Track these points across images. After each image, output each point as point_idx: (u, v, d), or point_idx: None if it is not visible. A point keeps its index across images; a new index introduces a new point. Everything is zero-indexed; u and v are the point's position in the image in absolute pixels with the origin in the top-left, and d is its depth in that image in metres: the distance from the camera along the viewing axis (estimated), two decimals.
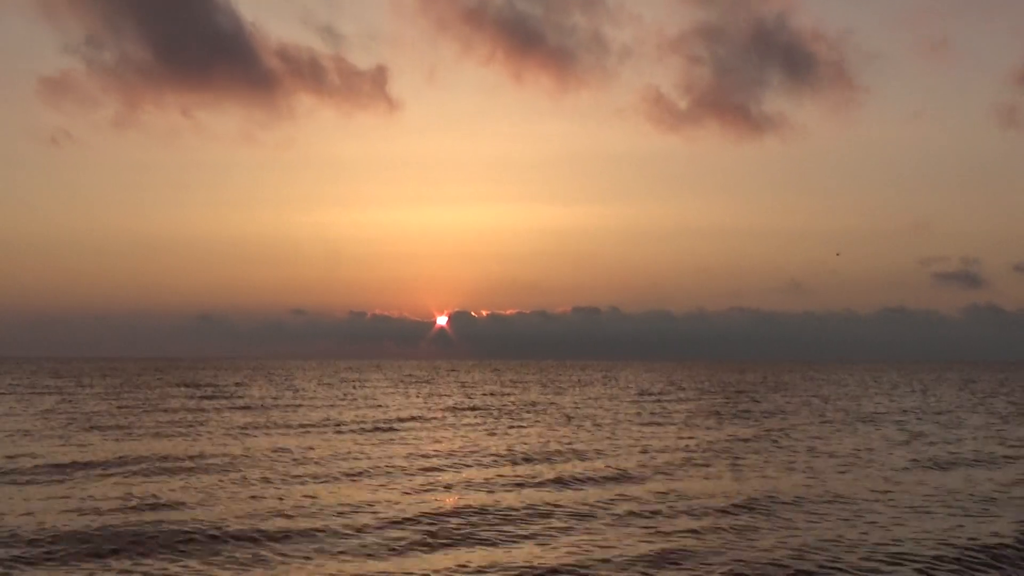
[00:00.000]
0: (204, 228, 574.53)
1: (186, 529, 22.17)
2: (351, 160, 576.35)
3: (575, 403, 79.33)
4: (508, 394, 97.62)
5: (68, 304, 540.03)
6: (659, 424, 55.16)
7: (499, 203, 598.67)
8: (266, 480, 30.46)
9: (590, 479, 31.08)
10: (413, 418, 59.63)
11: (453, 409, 69.88)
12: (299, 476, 31.42)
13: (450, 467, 34.26)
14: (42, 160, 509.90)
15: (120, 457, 36.16)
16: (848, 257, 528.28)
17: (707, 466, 34.85)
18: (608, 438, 45.69)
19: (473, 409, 70.03)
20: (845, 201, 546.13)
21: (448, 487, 29.45)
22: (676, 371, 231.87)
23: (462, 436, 47.11)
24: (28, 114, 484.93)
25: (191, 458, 36.01)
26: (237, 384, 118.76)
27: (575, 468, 33.90)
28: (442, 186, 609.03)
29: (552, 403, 79.20)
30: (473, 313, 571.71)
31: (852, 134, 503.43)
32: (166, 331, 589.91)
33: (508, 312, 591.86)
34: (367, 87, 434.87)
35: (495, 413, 65.38)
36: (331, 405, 73.18)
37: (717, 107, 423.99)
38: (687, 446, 41.96)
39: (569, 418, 60.20)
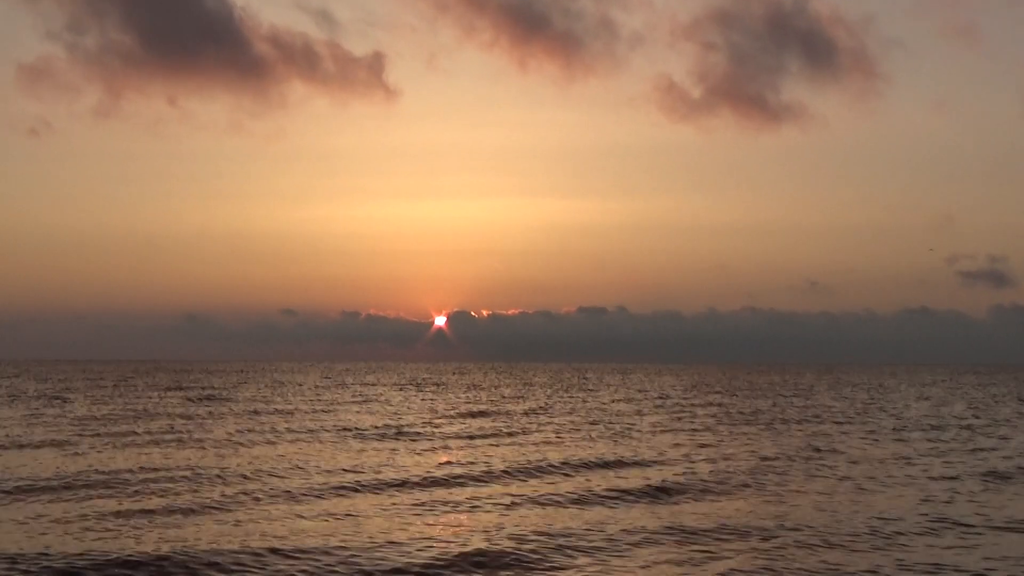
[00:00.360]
0: (190, 223, 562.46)
1: (188, 548, 21.45)
2: (346, 151, 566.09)
3: (598, 407, 78.49)
4: (522, 398, 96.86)
5: (46, 304, 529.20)
6: (688, 431, 54.32)
7: (501, 197, 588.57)
8: (281, 493, 29.71)
9: (624, 493, 30.23)
10: (433, 424, 58.88)
11: (472, 414, 69.11)
12: (318, 488, 30.66)
13: (475, 479, 33.46)
14: (20, 152, 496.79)
15: (124, 468, 35.45)
16: (867, 255, 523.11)
17: (745, 476, 34.01)
18: (639, 446, 44.85)
19: (489, 414, 69.24)
20: (865, 195, 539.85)
21: (476, 501, 28.66)
22: (690, 374, 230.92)
23: (485, 444, 46.30)
24: (6, 103, 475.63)
25: (192, 469, 35.26)
26: (236, 387, 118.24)
27: (608, 480, 33.11)
28: (441, 179, 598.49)
29: (572, 408, 78.39)
30: (473, 313, 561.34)
31: (873, 124, 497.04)
32: (149, 332, 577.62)
33: (510, 312, 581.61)
34: (363, 74, 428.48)
35: (515, 418, 64.56)
36: (343, 410, 72.49)
37: (732, 96, 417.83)
38: (723, 456, 41.12)
39: (595, 424, 59.38)
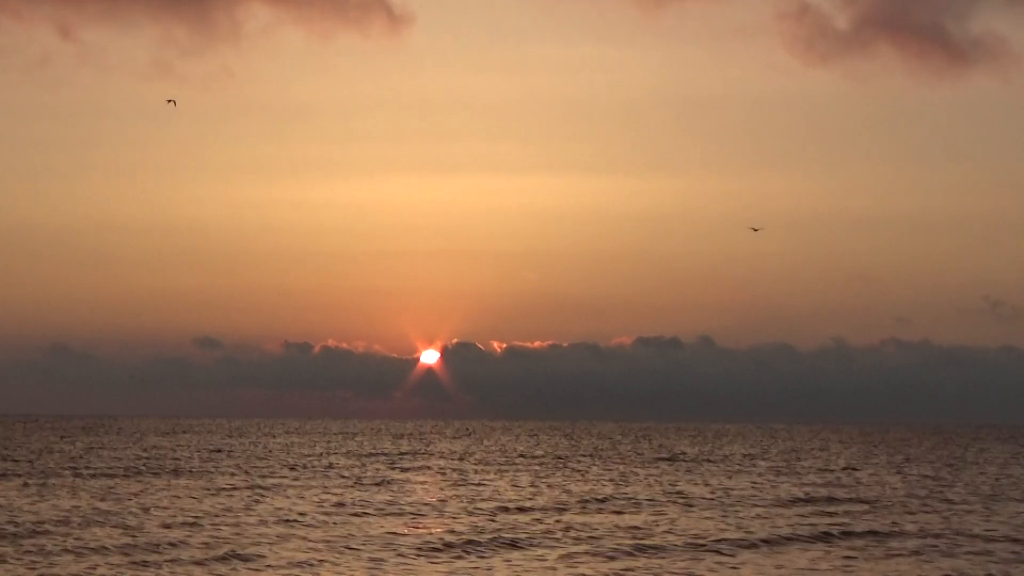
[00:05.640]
0: (77, 209, 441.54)
1: None
2: (323, 105, 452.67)
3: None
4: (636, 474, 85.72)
5: None
6: None
7: (541, 172, 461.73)
8: None
9: None
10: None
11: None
12: None
13: None
14: None
15: None
16: None
17: None
18: None
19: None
20: None
21: None
22: (847, 438, 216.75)
23: None
24: None
25: None
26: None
27: None
28: (457, 145, 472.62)
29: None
30: (480, 346, 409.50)
31: None
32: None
33: (535, 345, 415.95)
34: None
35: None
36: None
37: (897, 28, 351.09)
38: None
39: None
